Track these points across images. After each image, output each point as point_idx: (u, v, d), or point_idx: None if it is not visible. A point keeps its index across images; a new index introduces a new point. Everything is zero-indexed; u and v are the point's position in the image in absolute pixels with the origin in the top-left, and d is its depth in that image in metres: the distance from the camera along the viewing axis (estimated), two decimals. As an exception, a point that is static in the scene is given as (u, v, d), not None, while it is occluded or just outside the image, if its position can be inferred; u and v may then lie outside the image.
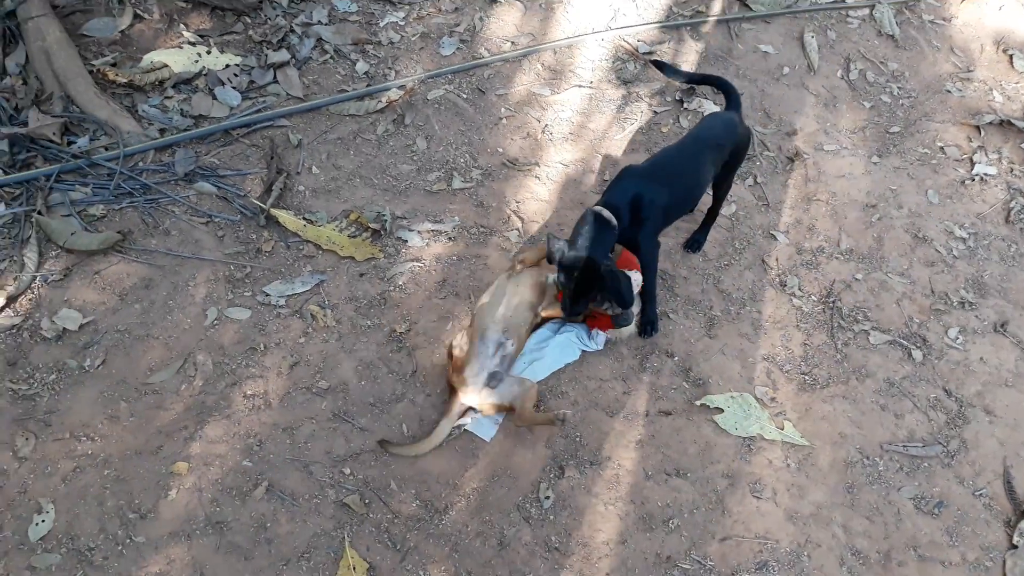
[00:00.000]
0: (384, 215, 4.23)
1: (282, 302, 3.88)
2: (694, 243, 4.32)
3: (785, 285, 4.30)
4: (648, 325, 3.98)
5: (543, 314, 3.80)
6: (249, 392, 3.61)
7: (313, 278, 4.01)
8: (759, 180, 4.67)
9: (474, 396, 3.53)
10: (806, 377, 3.98)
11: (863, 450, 3.77)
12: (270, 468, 3.41)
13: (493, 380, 3.53)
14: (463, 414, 3.60)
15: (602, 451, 3.66)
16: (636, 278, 3.79)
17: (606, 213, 3.53)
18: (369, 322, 3.93)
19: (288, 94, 4.57)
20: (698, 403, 3.90)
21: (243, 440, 3.44)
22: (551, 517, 3.45)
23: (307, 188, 4.29)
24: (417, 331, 3.89)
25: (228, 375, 3.65)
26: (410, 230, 4.24)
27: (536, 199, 4.47)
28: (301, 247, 4.06)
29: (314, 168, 4.37)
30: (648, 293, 3.90)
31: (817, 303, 4.24)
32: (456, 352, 3.57)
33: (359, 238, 4.13)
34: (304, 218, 4.12)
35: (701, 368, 4.02)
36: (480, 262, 4.17)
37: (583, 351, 3.95)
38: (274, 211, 4.11)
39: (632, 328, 3.95)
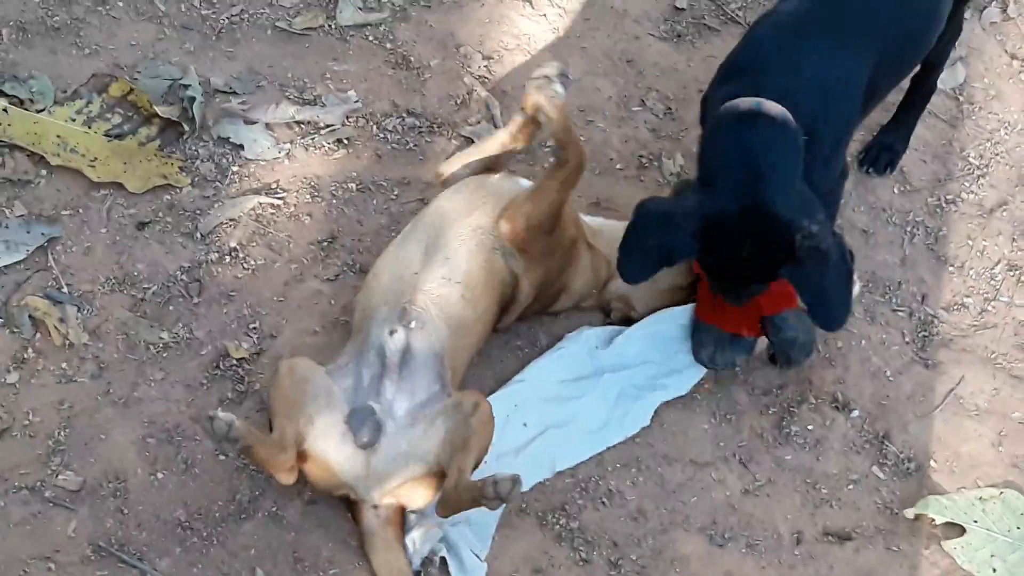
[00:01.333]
0: (188, 85, 4.07)
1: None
2: (882, 154, 4.30)
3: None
4: (794, 344, 3.83)
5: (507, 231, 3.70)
6: None
7: (30, 233, 3.83)
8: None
9: (354, 480, 3.46)
10: None
11: None
12: None
13: (362, 430, 3.35)
14: (399, 528, 3.55)
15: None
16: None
17: (779, 112, 3.52)
18: (165, 336, 3.82)
19: None
20: (909, 513, 3.71)
21: None
22: None
23: (3, 21, 4.20)
24: (276, 353, 3.79)
25: None
26: (249, 121, 4.09)
27: (525, 47, 4.58)
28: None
29: None
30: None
31: None
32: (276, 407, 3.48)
33: (131, 138, 3.97)
34: (1, 93, 3.98)
35: (910, 434, 3.89)
36: (407, 193, 4.12)
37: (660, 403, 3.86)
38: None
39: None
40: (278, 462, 3.34)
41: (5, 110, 3.86)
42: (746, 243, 3.52)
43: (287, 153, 4.06)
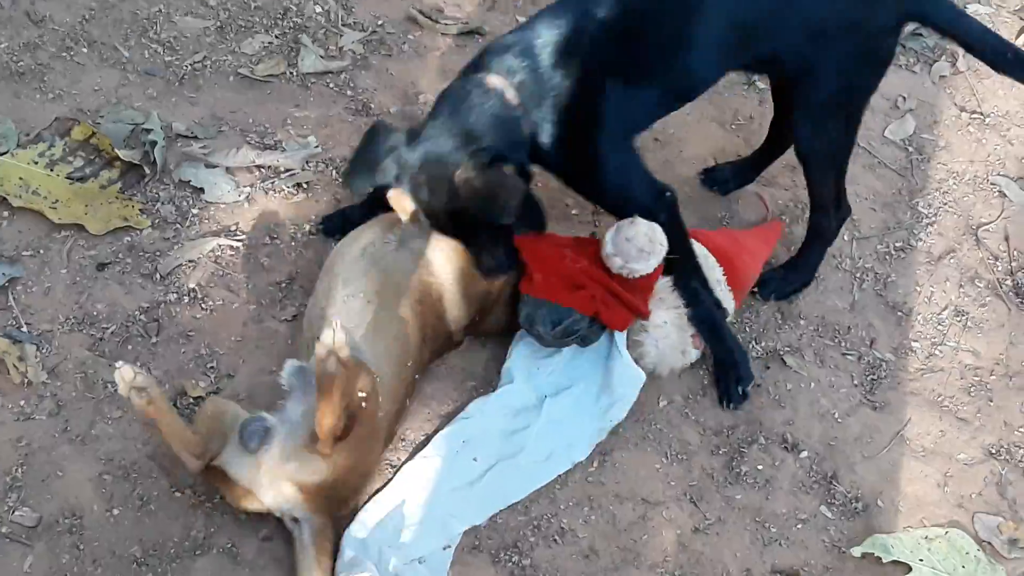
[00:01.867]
0: (150, 129, 4.04)
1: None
2: (771, 283, 4.17)
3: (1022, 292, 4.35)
4: (731, 379, 3.86)
5: None
6: None
7: None
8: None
9: (248, 481, 3.40)
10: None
11: None
12: None
13: (252, 438, 3.35)
14: (326, 551, 3.44)
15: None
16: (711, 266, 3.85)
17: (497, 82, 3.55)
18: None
19: None
20: (856, 552, 3.67)
21: None
22: None
23: None
24: (233, 392, 3.76)
25: None
26: (210, 165, 4.06)
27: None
28: None
29: None
30: (696, 300, 3.80)
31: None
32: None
33: (93, 181, 3.93)
34: None
35: (857, 475, 3.87)
36: None
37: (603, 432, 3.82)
38: None
39: (688, 358, 3.84)
40: (184, 438, 3.34)
41: None
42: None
43: (247, 196, 4.03)
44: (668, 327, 3.75)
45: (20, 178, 3.83)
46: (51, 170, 3.88)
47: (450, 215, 3.51)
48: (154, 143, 3.99)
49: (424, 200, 3.50)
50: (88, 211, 3.83)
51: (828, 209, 3.98)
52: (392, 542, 3.52)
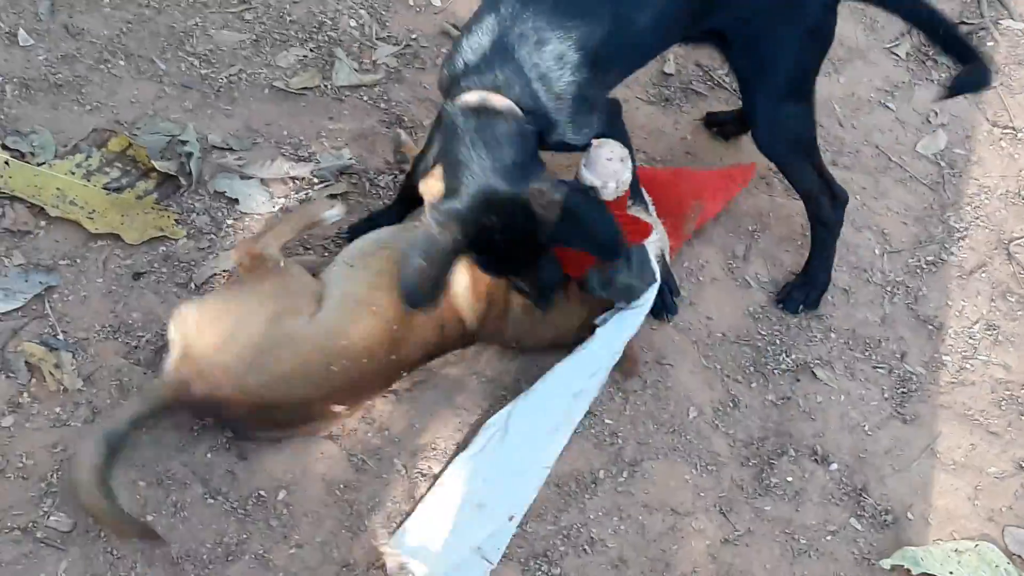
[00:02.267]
0: (186, 141, 4.04)
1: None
2: (794, 292, 4.17)
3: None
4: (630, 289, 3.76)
5: None
6: None
7: (28, 282, 3.76)
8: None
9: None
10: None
11: None
12: None
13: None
14: None
15: None
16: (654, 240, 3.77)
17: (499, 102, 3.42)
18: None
19: None
20: (886, 564, 3.66)
21: None
22: None
23: (8, 78, 4.13)
24: None
25: None
26: (245, 176, 4.05)
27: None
28: None
29: (22, 34, 4.25)
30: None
31: None
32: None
33: (129, 192, 3.94)
34: (3, 147, 3.93)
35: (887, 487, 3.84)
36: None
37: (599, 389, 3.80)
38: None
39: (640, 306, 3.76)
40: None
41: (7, 163, 3.82)
42: (497, 229, 3.41)
43: (282, 208, 4.01)
44: None
45: (57, 188, 3.84)
46: (88, 180, 3.88)
47: (510, 247, 3.47)
48: (190, 155, 3.98)
49: (485, 241, 3.43)
50: (124, 221, 3.83)
51: (820, 198, 3.97)
52: (447, 538, 3.50)
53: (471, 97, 3.34)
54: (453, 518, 3.45)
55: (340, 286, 3.52)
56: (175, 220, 3.88)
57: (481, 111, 3.35)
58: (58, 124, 4.00)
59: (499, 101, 3.35)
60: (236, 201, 4.00)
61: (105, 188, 3.89)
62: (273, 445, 3.49)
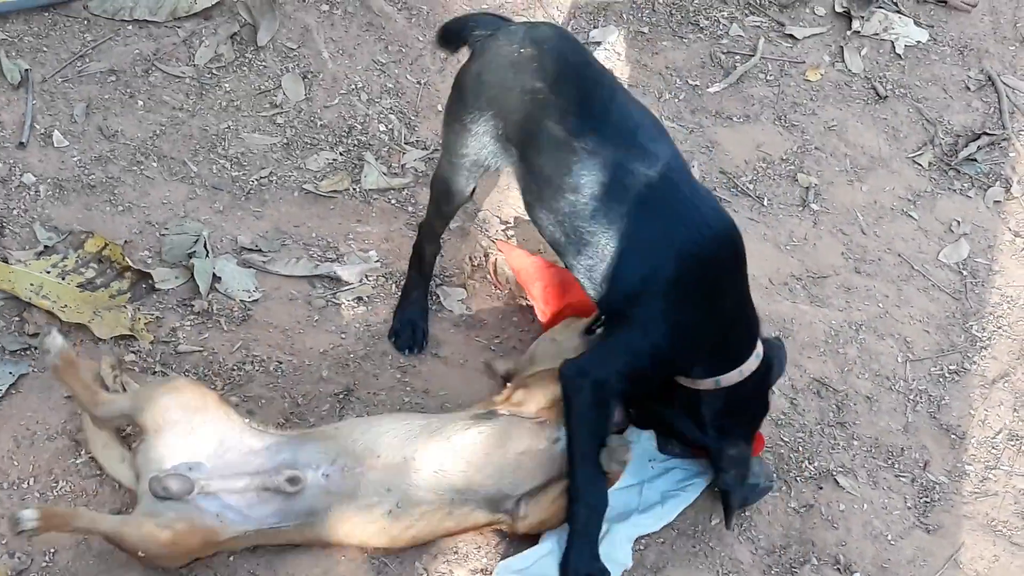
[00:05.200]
0: (198, 237, 4.06)
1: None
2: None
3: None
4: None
5: None
6: None
7: (1, 371, 3.68)
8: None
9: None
10: None
11: None
12: None
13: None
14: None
15: None
16: None
17: None
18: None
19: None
20: None
21: None
22: None
23: (42, 178, 4.13)
24: None
25: None
26: (267, 272, 4.07)
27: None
28: (1, 304, 3.86)
29: (57, 135, 4.25)
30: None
31: None
32: None
33: (103, 291, 3.93)
34: None
35: None
36: (432, 354, 4.00)
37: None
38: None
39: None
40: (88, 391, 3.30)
41: None
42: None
43: (308, 307, 4.00)
44: None
45: (30, 284, 3.83)
46: (63, 280, 3.89)
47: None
48: (193, 250, 4.02)
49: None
50: (94, 318, 3.81)
51: None
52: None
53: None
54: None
55: None
56: (143, 323, 3.84)
57: None
58: (91, 224, 4.01)
59: None
60: (255, 302, 3.98)
61: (79, 287, 3.89)
62: (294, 548, 3.45)
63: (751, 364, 3.42)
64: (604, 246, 3.35)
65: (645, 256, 3.34)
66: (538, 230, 3.56)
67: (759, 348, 3.47)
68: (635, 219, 3.35)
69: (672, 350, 3.39)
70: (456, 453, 3.35)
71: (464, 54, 3.70)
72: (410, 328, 3.87)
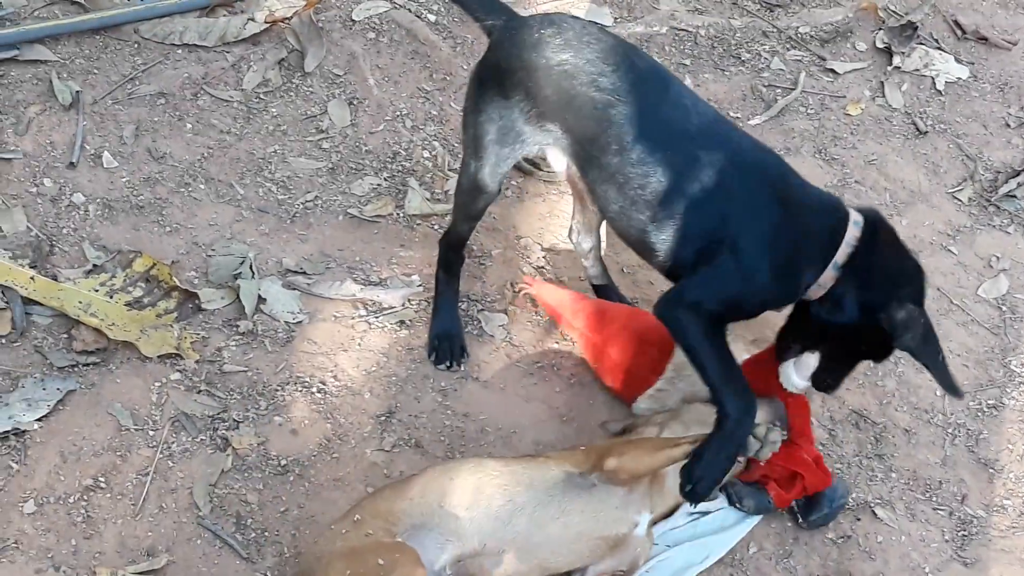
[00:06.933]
0: (244, 259, 4.08)
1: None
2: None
3: None
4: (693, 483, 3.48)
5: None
6: None
7: (49, 387, 3.69)
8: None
9: None
10: None
11: None
12: None
13: None
14: None
15: None
16: None
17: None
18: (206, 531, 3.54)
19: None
20: None
21: None
22: None
23: (91, 198, 4.18)
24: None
25: None
26: (311, 294, 4.08)
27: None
28: (51, 321, 3.87)
29: (107, 156, 4.26)
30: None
31: None
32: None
33: (150, 310, 3.93)
34: (29, 265, 3.94)
35: None
36: (472, 378, 3.99)
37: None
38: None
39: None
40: None
41: (32, 278, 3.86)
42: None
43: (350, 330, 4.00)
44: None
45: (79, 302, 3.84)
46: (111, 298, 3.89)
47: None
48: (239, 271, 4.02)
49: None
50: (141, 337, 3.82)
51: None
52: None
53: None
54: None
55: None
56: (189, 341, 3.84)
57: None
58: (139, 245, 4.03)
59: None
60: (299, 323, 3.97)
61: (127, 305, 3.89)
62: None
63: (852, 232, 3.41)
64: (671, 196, 3.40)
65: (715, 196, 3.39)
66: (600, 208, 3.61)
67: (854, 215, 3.43)
68: (692, 163, 3.40)
69: (762, 270, 3.40)
70: (548, 535, 3.33)
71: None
72: (448, 343, 3.88)
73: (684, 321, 3.37)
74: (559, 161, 3.60)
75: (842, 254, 3.35)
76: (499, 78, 3.53)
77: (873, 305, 3.37)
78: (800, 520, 3.67)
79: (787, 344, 3.54)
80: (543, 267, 4.25)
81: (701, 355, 3.39)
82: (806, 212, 3.42)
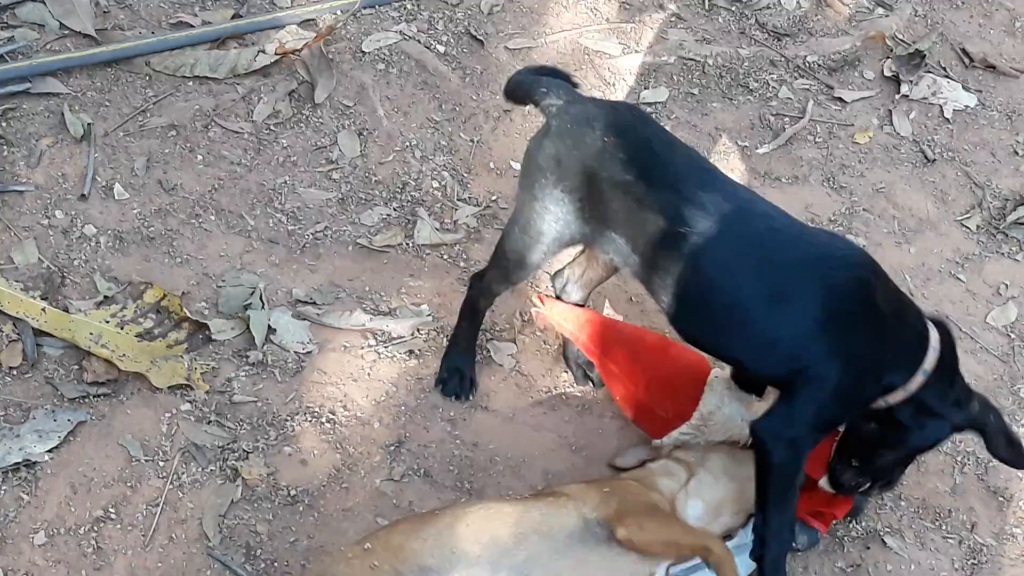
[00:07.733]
0: (254, 289, 4.08)
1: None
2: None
3: None
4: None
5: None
6: None
7: (60, 418, 3.68)
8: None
9: None
10: None
11: None
12: None
13: None
14: None
15: None
16: None
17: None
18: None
19: (63, 27, 4.70)
20: None
21: None
22: None
23: (103, 230, 4.18)
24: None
25: None
26: (321, 324, 4.09)
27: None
28: (62, 352, 3.87)
29: (118, 188, 4.27)
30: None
31: None
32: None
33: (160, 341, 3.93)
34: (41, 296, 3.92)
35: None
36: (481, 407, 3.99)
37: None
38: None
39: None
40: None
41: (43, 310, 3.86)
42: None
43: (360, 360, 3.99)
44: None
45: (90, 333, 3.83)
46: (121, 329, 3.90)
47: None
48: (249, 302, 4.02)
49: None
50: (152, 368, 3.82)
51: None
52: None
53: None
54: None
55: None
56: (199, 372, 3.84)
57: None
58: (149, 276, 4.03)
59: None
60: (308, 354, 3.96)
61: (138, 336, 3.89)
62: None
63: (935, 336, 3.42)
64: (743, 313, 3.38)
65: (790, 310, 3.35)
66: (669, 320, 3.54)
67: (932, 338, 3.43)
68: (766, 274, 3.37)
69: (855, 383, 3.37)
70: None
71: (528, 112, 3.70)
72: (457, 376, 3.87)
73: (781, 455, 3.39)
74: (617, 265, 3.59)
75: (930, 360, 3.39)
76: (558, 171, 3.50)
77: (959, 404, 3.45)
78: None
79: (845, 464, 3.56)
80: (552, 296, 4.17)
81: (777, 487, 3.42)
82: (896, 321, 3.44)
